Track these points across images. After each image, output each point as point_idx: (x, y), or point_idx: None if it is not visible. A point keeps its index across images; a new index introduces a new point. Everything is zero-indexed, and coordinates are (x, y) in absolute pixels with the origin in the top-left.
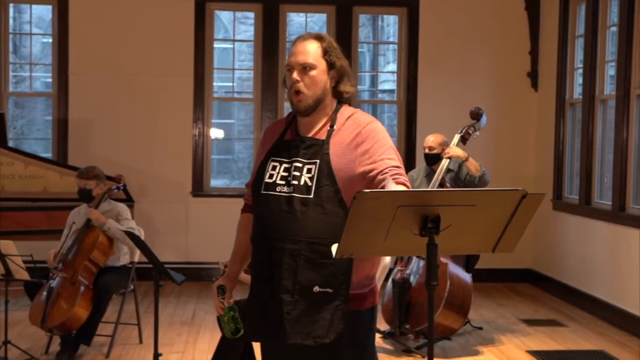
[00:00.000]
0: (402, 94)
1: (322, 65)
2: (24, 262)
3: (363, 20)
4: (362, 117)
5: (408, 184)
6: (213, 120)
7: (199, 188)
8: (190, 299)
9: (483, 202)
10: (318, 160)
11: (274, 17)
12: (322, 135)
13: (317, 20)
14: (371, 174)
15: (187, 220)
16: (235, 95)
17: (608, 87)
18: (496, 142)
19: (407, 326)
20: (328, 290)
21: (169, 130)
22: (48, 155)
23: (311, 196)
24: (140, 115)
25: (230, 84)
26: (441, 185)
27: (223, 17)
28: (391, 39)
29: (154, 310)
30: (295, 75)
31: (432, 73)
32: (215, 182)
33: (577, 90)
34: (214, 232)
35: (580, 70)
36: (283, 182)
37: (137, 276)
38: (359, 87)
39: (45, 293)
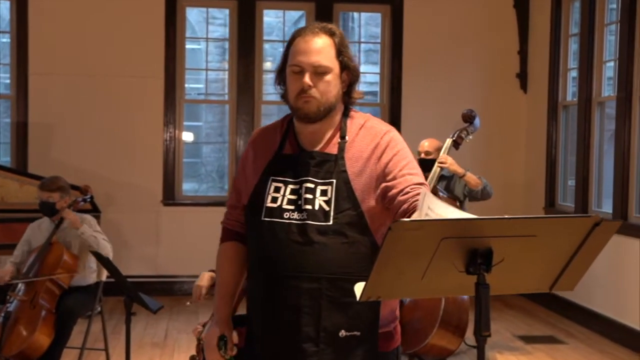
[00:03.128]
0: (385, 96)
1: (336, 67)
2: None
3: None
4: (377, 125)
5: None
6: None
7: (171, 196)
8: (162, 315)
9: (545, 232)
10: (334, 180)
11: (249, 14)
12: (333, 149)
13: (290, 19)
14: (390, 192)
15: (157, 231)
16: (203, 97)
17: (606, 89)
18: (484, 146)
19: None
20: (356, 333)
21: (138, 135)
22: (6, 161)
23: (330, 223)
24: (106, 119)
25: (200, 86)
26: (433, 194)
27: (191, 18)
28: (362, 39)
29: (125, 339)
30: (307, 78)
31: (416, 74)
32: (186, 186)
33: (570, 92)
34: (186, 243)
35: (574, 71)
36: (292, 207)
37: (102, 291)
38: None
39: (1, 318)
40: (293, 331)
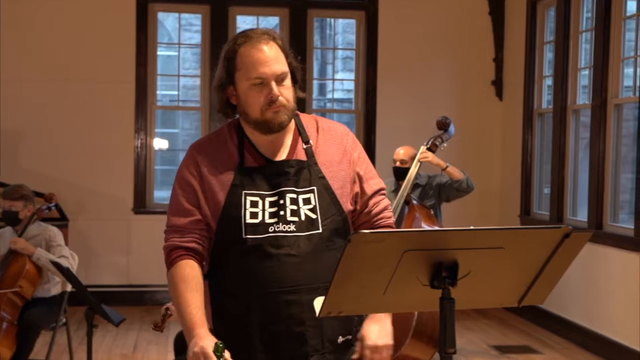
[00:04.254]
0: (360, 103)
1: (288, 71)
2: None
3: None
4: (333, 126)
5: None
6: (156, 130)
7: (142, 204)
8: (132, 326)
9: (514, 244)
10: (315, 187)
11: (222, 20)
12: (301, 156)
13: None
14: (361, 198)
15: (128, 240)
16: (180, 104)
17: (581, 96)
18: (459, 154)
19: None
20: (348, 337)
21: (109, 142)
22: None
23: (320, 230)
24: (76, 125)
25: (174, 92)
26: (407, 202)
27: (167, 24)
28: (339, 46)
29: (87, 353)
30: (275, 89)
31: (391, 81)
32: (159, 194)
33: (545, 99)
34: (157, 252)
35: (549, 79)
36: (274, 220)
37: (68, 301)
38: (312, 95)
39: None
40: (300, 345)
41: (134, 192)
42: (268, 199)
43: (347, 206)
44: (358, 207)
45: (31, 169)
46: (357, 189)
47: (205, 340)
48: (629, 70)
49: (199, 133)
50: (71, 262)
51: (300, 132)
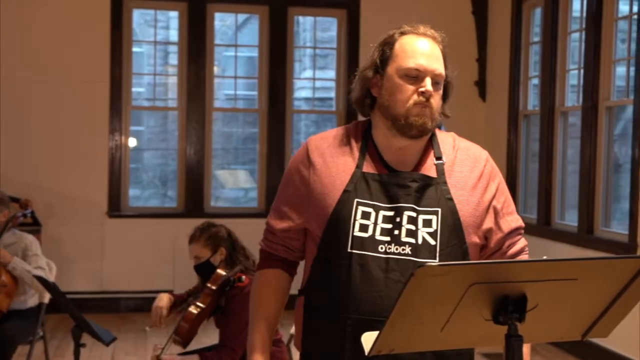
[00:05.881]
0: (341, 103)
1: (444, 77)
2: None
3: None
4: (472, 147)
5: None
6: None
7: (116, 208)
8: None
9: (588, 275)
10: (440, 209)
11: (199, 18)
12: (429, 171)
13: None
14: (496, 236)
15: (102, 244)
16: (147, 103)
17: (569, 98)
18: None
19: None
20: None
21: (82, 143)
22: None
23: (436, 261)
24: (47, 126)
25: (141, 90)
26: None
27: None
28: (308, 44)
29: None
30: (429, 84)
31: None
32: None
33: (531, 101)
34: (133, 257)
35: (535, 80)
36: (387, 239)
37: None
38: (293, 95)
39: None
40: None
41: (109, 195)
42: (382, 213)
43: (472, 238)
44: (491, 245)
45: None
46: (490, 223)
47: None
48: (620, 71)
49: (166, 131)
50: (47, 273)
51: (434, 146)
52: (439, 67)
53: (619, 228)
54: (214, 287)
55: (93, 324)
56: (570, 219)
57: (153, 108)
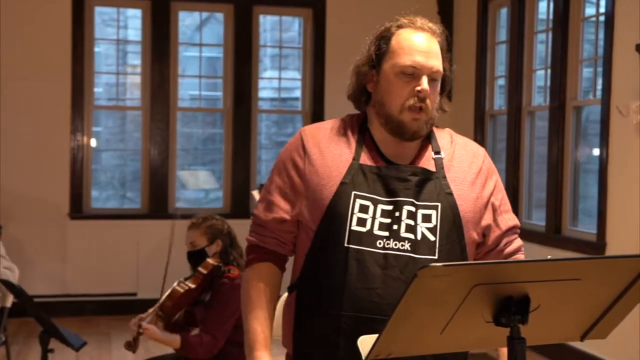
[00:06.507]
0: (307, 103)
1: (442, 72)
2: None
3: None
4: (470, 143)
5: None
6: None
7: (78, 209)
8: None
9: (592, 274)
10: (439, 204)
11: (163, 16)
12: (428, 165)
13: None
14: (493, 233)
15: (64, 246)
16: (106, 104)
17: (536, 97)
18: None
19: None
20: None
21: (43, 143)
22: None
23: (435, 257)
24: (7, 126)
25: (99, 90)
26: None
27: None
28: (269, 43)
29: None
30: (425, 83)
31: (340, 79)
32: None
33: (497, 100)
34: (96, 259)
35: (501, 80)
36: (385, 234)
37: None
38: (259, 95)
39: None
40: None
41: (70, 197)
42: (381, 206)
43: (472, 235)
44: (489, 243)
45: None
46: (489, 220)
47: (262, 354)
48: (587, 71)
49: (124, 131)
50: (9, 276)
51: (431, 140)
52: (436, 63)
53: (586, 227)
54: (204, 272)
55: (61, 328)
56: (537, 219)
57: (116, 107)
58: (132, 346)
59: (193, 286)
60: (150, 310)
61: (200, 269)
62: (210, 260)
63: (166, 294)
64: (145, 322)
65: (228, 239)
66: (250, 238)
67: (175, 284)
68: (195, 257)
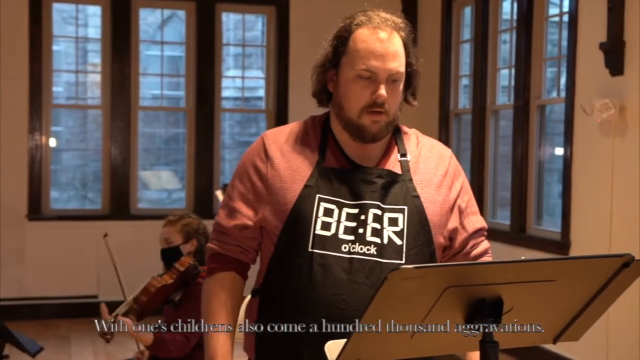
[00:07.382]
0: (271, 102)
1: (404, 71)
2: None
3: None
4: (436, 145)
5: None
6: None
7: (37, 210)
8: None
9: (567, 275)
10: (406, 207)
11: (124, 13)
12: (393, 167)
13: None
14: (460, 236)
15: (22, 249)
16: (63, 101)
17: (500, 96)
18: None
19: None
20: None
21: None
22: None
23: (402, 262)
24: None
25: (59, 89)
26: None
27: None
28: (232, 42)
29: None
30: (383, 89)
31: (304, 78)
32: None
33: (462, 100)
34: (55, 261)
35: (465, 79)
36: (351, 238)
37: None
38: (222, 94)
39: None
40: None
41: (28, 198)
42: (346, 210)
43: (439, 239)
44: (455, 246)
45: None
46: (455, 223)
47: None
48: (551, 71)
49: (85, 131)
50: None
51: (397, 142)
52: (395, 65)
53: (550, 226)
54: (181, 269)
55: (17, 334)
56: (502, 218)
57: (76, 106)
58: (107, 334)
59: (170, 281)
60: (126, 302)
61: (177, 265)
62: (187, 258)
63: (140, 288)
64: (120, 314)
65: (203, 238)
66: (212, 246)
67: (150, 279)
68: (170, 254)
